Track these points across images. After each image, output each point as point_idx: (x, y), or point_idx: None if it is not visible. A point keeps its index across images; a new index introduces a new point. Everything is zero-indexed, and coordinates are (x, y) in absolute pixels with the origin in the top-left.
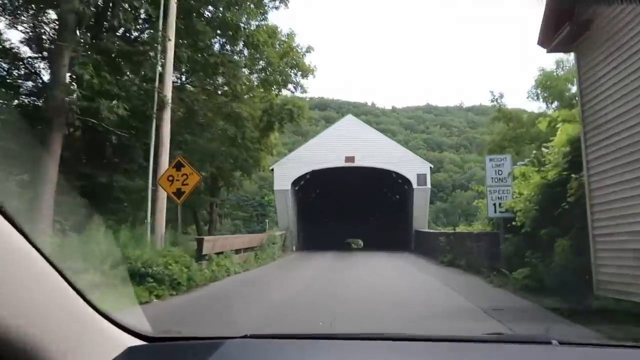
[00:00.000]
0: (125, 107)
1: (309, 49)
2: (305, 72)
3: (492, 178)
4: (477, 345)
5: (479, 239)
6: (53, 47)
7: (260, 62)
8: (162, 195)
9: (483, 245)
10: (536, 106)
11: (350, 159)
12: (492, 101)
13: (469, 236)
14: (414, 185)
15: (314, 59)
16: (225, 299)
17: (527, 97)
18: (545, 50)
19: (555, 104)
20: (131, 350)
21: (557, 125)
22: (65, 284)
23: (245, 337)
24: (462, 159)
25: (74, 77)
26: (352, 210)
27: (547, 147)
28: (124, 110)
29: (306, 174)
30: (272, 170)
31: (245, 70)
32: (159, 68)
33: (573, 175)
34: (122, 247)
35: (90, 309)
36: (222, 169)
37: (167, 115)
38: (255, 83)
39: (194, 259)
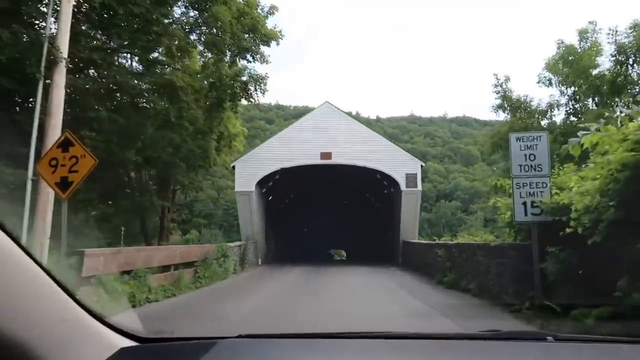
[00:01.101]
0: None
1: (272, 10)
2: (267, 37)
3: (521, 166)
4: (473, 343)
5: (499, 253)
6: None
7: (209, 21)
8: (48, 189)
9: (506, 263)
10: (546, 93)
11: (326, 155)
12: (496, 87)
13: (482, 249)
14: (402, 187)
15: (302, 66)
16: None
17: (538, 82)
18: None
19: (571, 90)
20: (123, 351)
21: None
22: (55, 285)
23: (239, 337)
24: (446, 169)
25: None
26: (332, 216)
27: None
28: None
29: (274, 172)
30: (234, 167)
31: (199, 47)
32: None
33: None
34: None
35: (81, 310)
36: (157, 160)
37: (59, 77)
38: (203, 51)
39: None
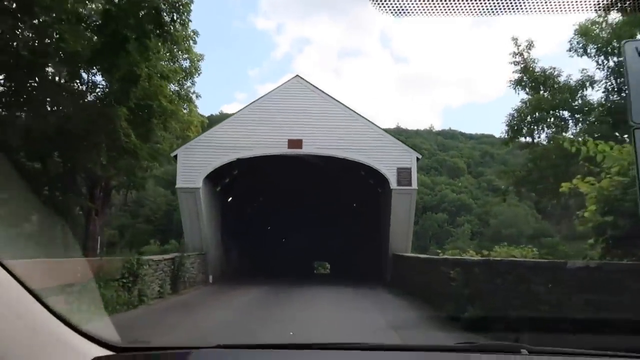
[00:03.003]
0: None
1: None
2: None
3: None
4: (448, 355)
5: (585, 280)
6: None
7: None
8: None
9: (608, 302)
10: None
11: (295, 143)
12: (515, 55)
13: (542, 271)
14: (393, 186)
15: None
16: None
17: (569, 50)
18: None
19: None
20: None
21: None
22: (27, 293)
23: (217, 347)
24: (433, 181)
25: None
26: (314, 223)
27: None
28: None
29: (230, 165)
30: (175, 158)
31: None
32: None
33: None
34: None
35: (54, 319)
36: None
37: None
38: None
39: None
